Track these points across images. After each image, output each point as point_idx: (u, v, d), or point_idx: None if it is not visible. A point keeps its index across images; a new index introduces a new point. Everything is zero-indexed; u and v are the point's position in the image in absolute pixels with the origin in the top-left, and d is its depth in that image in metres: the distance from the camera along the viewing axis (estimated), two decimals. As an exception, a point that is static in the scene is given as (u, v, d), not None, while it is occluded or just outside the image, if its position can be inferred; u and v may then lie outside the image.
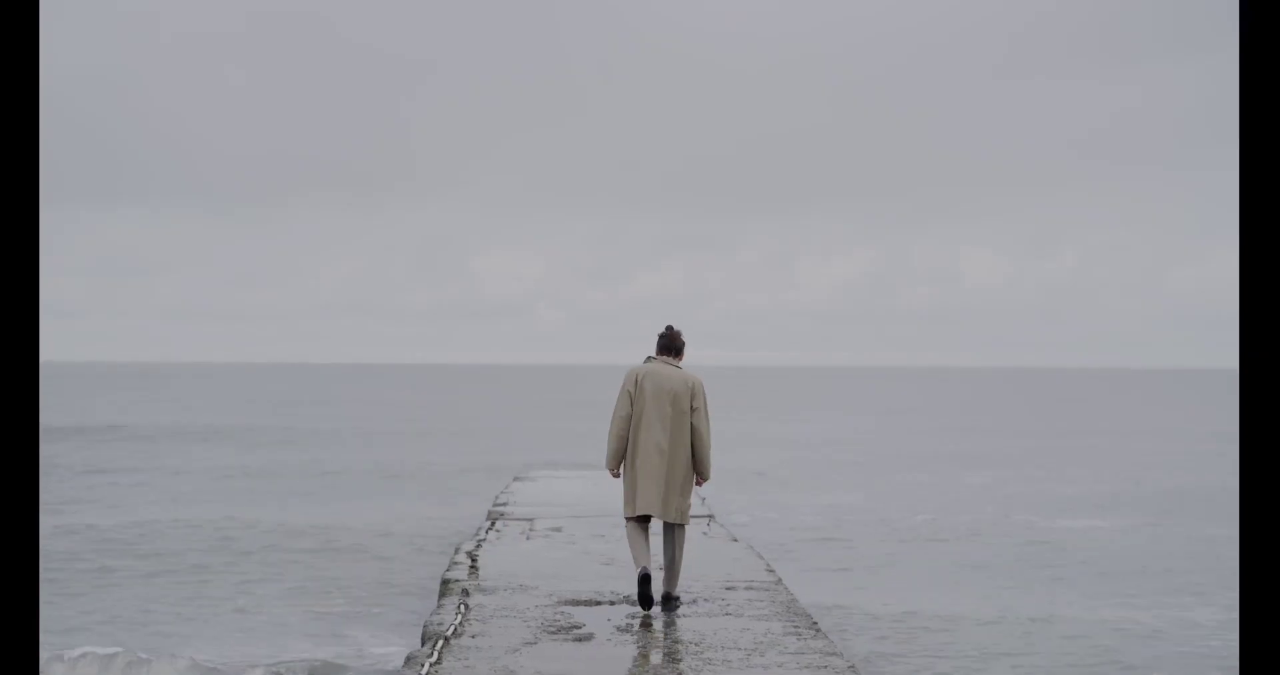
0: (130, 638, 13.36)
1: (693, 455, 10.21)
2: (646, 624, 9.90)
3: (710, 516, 16.99)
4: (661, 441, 10.05)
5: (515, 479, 23.09)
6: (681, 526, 10.28)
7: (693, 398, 10.14)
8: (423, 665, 8.48)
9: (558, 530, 15.43)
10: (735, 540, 14.86)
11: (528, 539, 14.74)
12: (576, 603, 10.73)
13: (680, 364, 10.41)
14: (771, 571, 12.56)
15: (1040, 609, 15.34)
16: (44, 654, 11.61)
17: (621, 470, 10.24)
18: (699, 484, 10.35)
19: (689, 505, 10.29)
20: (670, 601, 10.45)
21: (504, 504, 18.50)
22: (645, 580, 10.16)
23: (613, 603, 10.76)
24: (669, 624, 9.89)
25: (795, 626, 9.82)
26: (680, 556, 10.40)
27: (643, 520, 10.25)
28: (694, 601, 10.77)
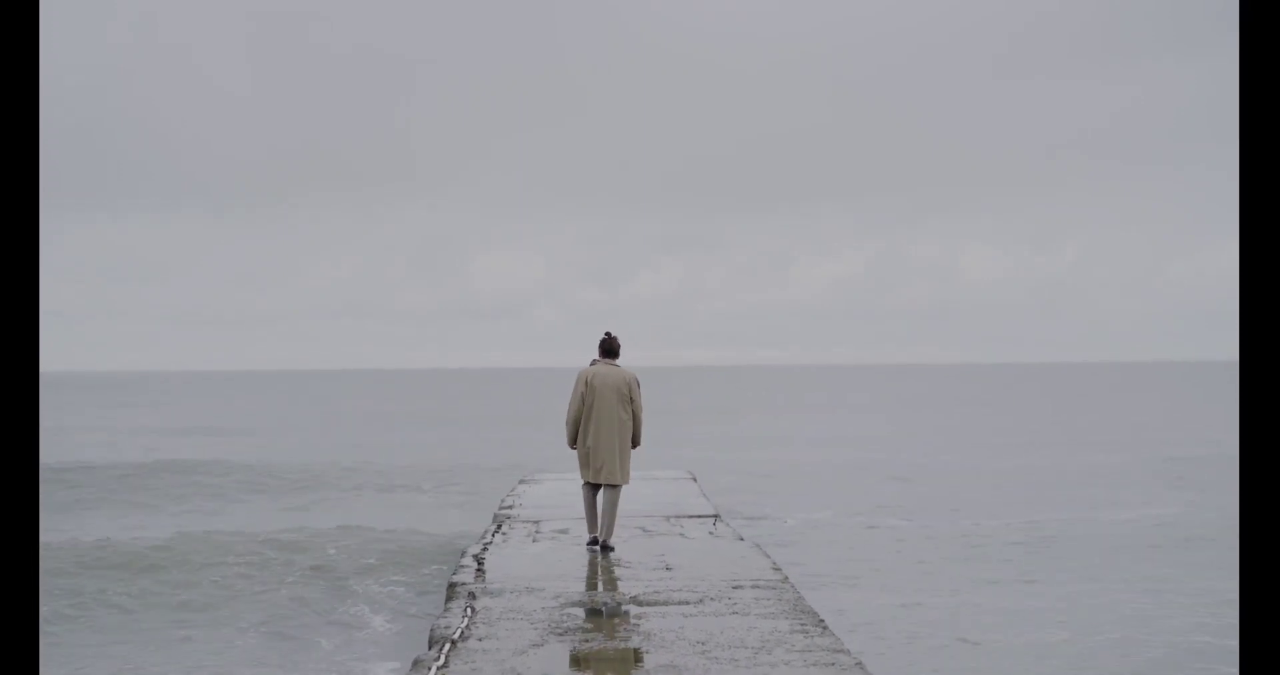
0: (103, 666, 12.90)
1: (632, 430, 13.45)
2: (653, 623, 9.90)
3: (716, 516, 16.98)
4: (613, 425, 13.28)
5: (521, 482, 23.07)
6: (617, 487, 13.42)
7: (631, 389, 13.32)
8: (430, 668, 8.49)
9: (564, 532, 15.42)
10: (741, 539, 14.85)
11: (534, 541, 14.74)
12: (583, 604, 10.73)
13: (618, 363, 13.42)
14: (778, 570, 12.55)
15: (1052, 603, 15.33)
16: None
17: (578, 444, 13.40)
18: (634, 448, 13.52)
19: (629, 467, 13.48)
20: (606, 549, 13.53)
21: (510, 507, 18.49)
22: (594, 541, 13.65)
23: (620, 603, 10.77)
24: (676, 623, 9.89)
25: (802, 624, 9.82)
26: (614, 511, 13.50)
27: (595, 488, 13.58)
28: (700, 600, 10.78)
